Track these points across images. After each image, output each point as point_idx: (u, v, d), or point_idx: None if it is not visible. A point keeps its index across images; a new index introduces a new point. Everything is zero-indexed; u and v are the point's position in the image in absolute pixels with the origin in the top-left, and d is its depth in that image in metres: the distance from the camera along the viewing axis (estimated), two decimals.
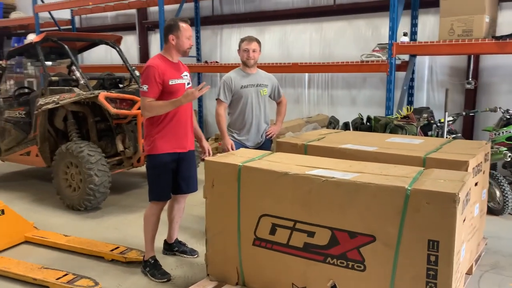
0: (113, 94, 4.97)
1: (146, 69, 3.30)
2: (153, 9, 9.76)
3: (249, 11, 8.37)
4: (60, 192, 5.13)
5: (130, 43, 10.49)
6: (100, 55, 10.53)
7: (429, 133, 5.42)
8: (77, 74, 5.28)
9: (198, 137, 3.72)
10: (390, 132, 4.92)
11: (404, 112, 5.53)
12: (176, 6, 8.55)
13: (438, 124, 5.37)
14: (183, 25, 3.35)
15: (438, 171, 2.61)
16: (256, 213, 2.78)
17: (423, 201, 2.25)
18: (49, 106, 5.11)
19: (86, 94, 4.97)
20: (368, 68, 6.04)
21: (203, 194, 3.00)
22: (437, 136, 5.30)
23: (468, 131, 6.32)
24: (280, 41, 8.02)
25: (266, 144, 4.16)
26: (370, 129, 5.19)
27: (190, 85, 3.60)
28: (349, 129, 5.33)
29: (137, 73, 6.05)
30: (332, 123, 5.61)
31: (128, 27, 10.35)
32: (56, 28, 10.62)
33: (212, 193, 2.95)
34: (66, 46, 5.39)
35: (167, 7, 8.58)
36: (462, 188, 2.25)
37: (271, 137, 4.20)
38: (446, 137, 5.00)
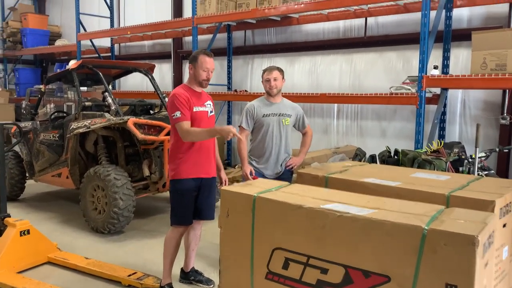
0: (142, 120, 5.10)
1: (173, 97, 3.41)
2: (188, 38, 10.07)
3: (280, 42, 8.50)
4: (86, 214, 5.23)
5: (165, 71, 10.82)
6: (136, 82, 10.89)
7: (460, 169, 5.22)
8: (109, 100, 5.46)
9: (217, 167, 3.74)
10: (418, 167, 4.77)
11: (434, 146, 5.37)
12: (210, 36, 8.78)
13: (470, 159, 5.18)
14: (203, 57, 3.43)
15: (459, 211, 2.50)
16: (269, 246, 2.73)
17: (440, 242, 2.15)
18: (81, 130, 5.29)
19: (116, 119, 5.12)
20: (397, 100, 5.95)
21: (218, 224, 2.98)
22: (468, 172, 5.10)
23: (504, 168, 6.07)
24: (310, 72, 8.06)
25: (285, 175, 4.11)
26: (397, 162, 5.05)
27: (213, 113, 3.68)
28: (376, 162, 5.21)
29: (167, 100, 6.20)
30: (358, 155, 5.51)
31: (164, 56, 10.69)
32: (97, 55, 11.11)
33: (226, 223, 2.93)
34: (100, 73, 5.61)
35: (201, 37, 8.83)
36: (482, 230, 2.14)
37: (291, 168, 4.15)
38: (478, 174, 4.81)
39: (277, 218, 2.70)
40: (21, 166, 6.42)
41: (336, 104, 7.66)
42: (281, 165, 4.12)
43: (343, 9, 7.01)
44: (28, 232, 4.07)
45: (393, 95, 5.94)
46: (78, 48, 10.66)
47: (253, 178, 3.89)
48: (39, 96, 6.42)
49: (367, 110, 7.35)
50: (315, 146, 7.58)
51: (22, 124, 6.50)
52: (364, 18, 7.24)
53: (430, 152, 5.35)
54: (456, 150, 5.42)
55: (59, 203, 6.59)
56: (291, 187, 3.05)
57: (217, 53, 9.08)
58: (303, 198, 2.74)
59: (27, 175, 6.48)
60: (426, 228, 2.20)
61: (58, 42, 12.31)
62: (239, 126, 4.13)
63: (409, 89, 5.86)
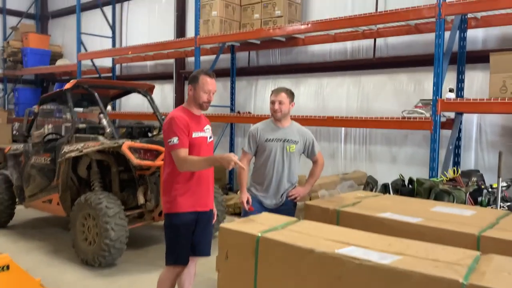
0: (137, 144, 4.77)
1: (171, 120, 3.09)
2: (191, 59, 9.83)
3: (285, 63, 8.23)
4: (75, 244, 4.86)
5: (167, 91, 10.56)
6: (138, 103, 10.62)
7: (479, 199, 4.84)
8: (104, 122, 5.15)
9: None
10: (435, 198, 4.39)
11: (450, 174, 5.01)
12: (213, 56, 8.53)
13: (490, 189, 4.80)
14: (204, 78, 3.13)
15: (499, 259, 2.12)
16: None
17: None
18: (73, 154, 4.96)
19: (110, 143, 4.80)
20: (410, 125, 5.61)
21: (215, 266, 2.61)
22: (488, 203, 4.72)
23: None
24: (316, 94, 7.77)
25: (287, 206, 3.74)
26: (412, 192, 4.67)
27: (212, 139, 3.35)
28: (389, 191, 4.84)
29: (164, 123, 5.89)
30: (369, 183, 5.14)
31: (166, 76, 10.45)
32: (98, 75, 10.89)
33: (225, 266, 2.55)
34: (95, 93, 5.31)
35: (204, 58, 8.59)
36: None
37: (294, 199, 3.79)
38: (500, 206, 4.43)
39: (284, 263, 2.33)
40: (11, 191, 6.06)
41: (343, 128, 7.33)
42: (282, 195, 3.77)
43: (350, 29, 6.75)
44: (8, 267, 3.66)
45: (406, 119, 5.60)
46: (79, 68, 10.45)
47: (249, 209, 3.58)
48: (33, 117, 6.12)
49: (376, 134, 7.01)
50: (322, 171, 7.21)
51: (14, 147, 6.21)
52: (373, 39, 6.97)
53: (446, 180, 4.98)
54: (474, 179, 5.05)
55: (50, 230, 6.21)
56: (299, 225, 2.68)
57: (220, 73, 8.80)
58: (314, 239, 2.38)
59: (17, 200, 6.13)
60: (465, 283, 1.83)
61: (59, 62, 12.12)
62: (242, 149, 3.84)
63: (423, 113, 5.52)
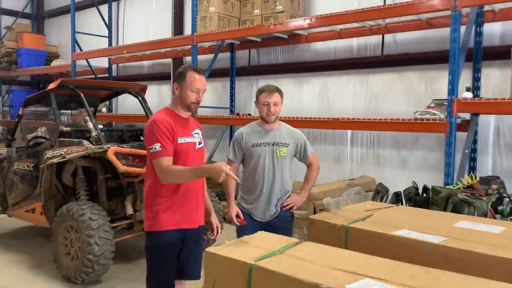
0: (124, 149, 4.37)
1: (152, 124, 2.68)
2: (189, 58, 9.41)
3: (287, 61, 7.80)
4: (57, 259, 4.46)
5: (165, 92, 10.17)
6: (135, 104, 10.20)
7: (499, 208, 4.41)
8: (90, 125, 4.74)
9: (207, 210, 2.99)
10: (454, 208, 3.96)
11: (467, 180, 4.56)
12: (211, 55, 8.12)
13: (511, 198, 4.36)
14: (192, 75, 2.72)
15: None
16: None
17: None
18: (55, 160, 4.55)
19: (95, 148, 4.39)
20: (423, 127, 5.15)
21: None
22: (509, 213, 4.28)
23: None
24: (320, 94, 7.32)
25: (282, 218, 3.35)
26: (427, 201, 4.24)
27: (202, 145, 2.93)
28: (401, 201, 4.40)
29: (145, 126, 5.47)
30: (380, 192, 4.69)
31: (163, 77, 10.05)
32: (93, 76, 10.50)
33: None
34: (81, 94, 4.91)
35: (202, 57, 8.18)
36: None
37: (290, 209, 3.38)
38: None
39: None
40: None
41: (349, 130, 6.89)
42: (275, 205, 3.36)
43: (357, 25, 6.31)
44: None
45: (418, 121, 5.16)
46: (73, 68, 10.06)
47: (240, 223, 3.21)
48: (17, 120, 5.72)
49: (385, 137, 6.56)
50: (326, 176, 6.80)
51: None
52: (381, 35, 6.53)
53: (463, 188, 4.55)
54: (495, 186, 4.61)
55: (36, 241, 5.80)
56: (301, 249, 2.25)
57: (219, 73, 8.41)
58: (319, 269, 1.95)
59: None
60: None
61: (55, 63, 11.74)
62: (226, 157, 3.44)
63: (436, 114, 5.08)
